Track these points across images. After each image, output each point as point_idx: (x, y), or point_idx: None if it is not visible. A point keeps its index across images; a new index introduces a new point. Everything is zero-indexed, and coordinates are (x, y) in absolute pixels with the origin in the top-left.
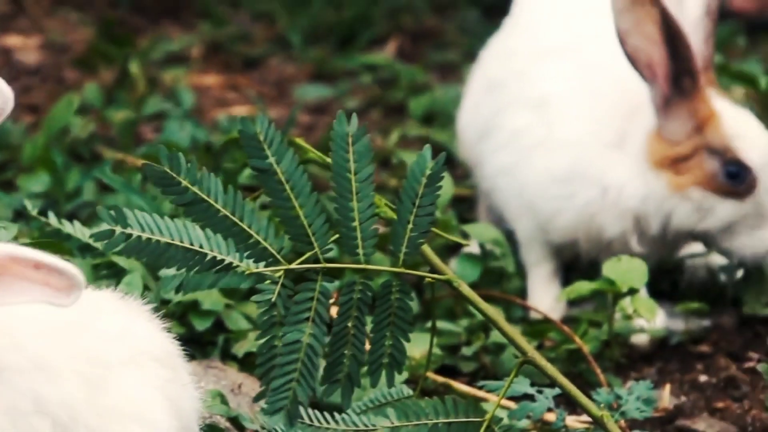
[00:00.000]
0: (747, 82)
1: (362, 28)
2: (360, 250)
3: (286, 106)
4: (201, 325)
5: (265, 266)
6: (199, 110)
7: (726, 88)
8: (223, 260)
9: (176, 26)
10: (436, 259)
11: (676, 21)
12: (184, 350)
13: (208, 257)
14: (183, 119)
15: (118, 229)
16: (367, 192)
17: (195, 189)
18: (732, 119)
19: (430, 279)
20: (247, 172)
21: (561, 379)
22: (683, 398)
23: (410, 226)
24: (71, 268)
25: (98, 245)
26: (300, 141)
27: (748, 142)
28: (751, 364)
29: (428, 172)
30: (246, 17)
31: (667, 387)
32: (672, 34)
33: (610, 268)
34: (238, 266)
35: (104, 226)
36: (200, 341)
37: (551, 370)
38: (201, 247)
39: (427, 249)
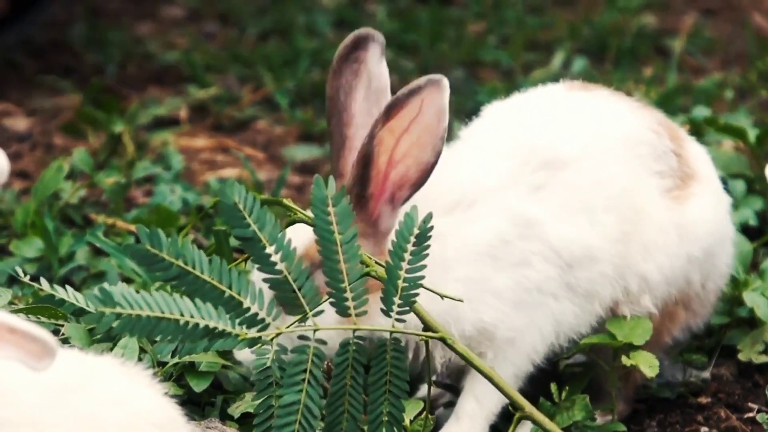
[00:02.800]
0: (736, 135)
1: None
2: (352, 311)
3: (276, 167)
4: (198, 386)
5: (258, 331)
6: (189, 173)
7: (716, 142)
8: (215, 328)
9: (163, 91)
10: (429, 317)
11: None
12: (182, 412)
13: (200, 327)
14: (173, 182)
15: (108, 310)
16: (353, 252)
17: (179, 263)
18: None
19: (423, 337)
20: None
21: None
22: None
23: (402, 284)
24: (44, 335)
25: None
26: (288, 202)
27: None
28: (750, 415)
29: (416, 231)
30: (233, 80)
31: None
32: None
33: (614, 324)
34: (230, 333)
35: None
36: (198, 402)
37: (549, 425)
38: (192, 317)
39: (420, 307)
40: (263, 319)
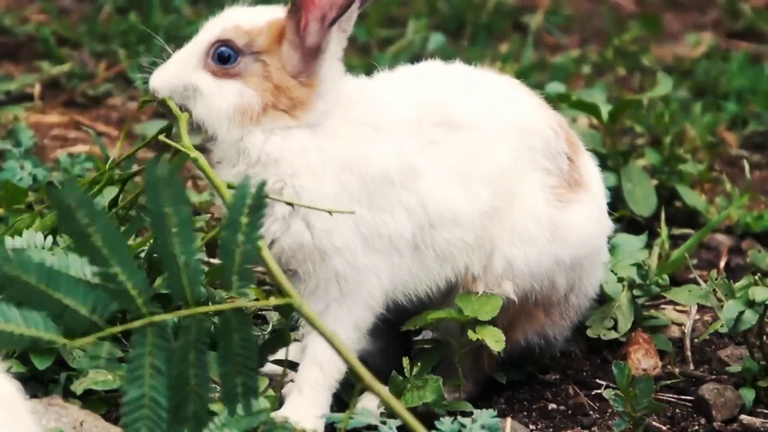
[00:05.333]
0: (589, 111)
1: None
2: (188, 295)
3: (129, 143)
4: (41, 363)
5: (85, 334)
6: (40, 149)
7: (571, 119)
8: (41, 338)
9: (17, 67)
10: (281, 276)
11: None
12: (25, 389)
13: (26, 336)
14: (23, 158)
15: None
16: (188, 234)
17: (6, 269)
18: None
19: (272, 303)
20: None
21: (400, 409)
22: (532, 427)
23: (238, 259)
24: None
25: None
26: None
27: None
28: (598, 391)
29: (250, 202)
30: (87, 56)
31: (508, 420)
32: None
33: (463, 300)
34: (55, 343)
35: None
36: (42, 379)
37: (392, 400)
38: (18, 326)
39: (272, 264)
40: (93, 322)
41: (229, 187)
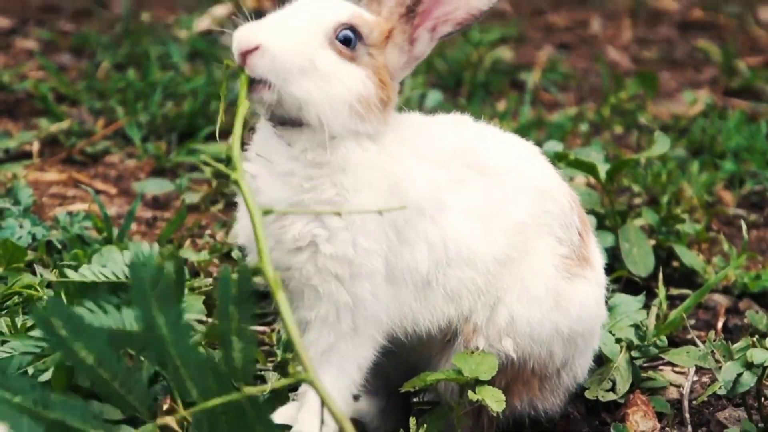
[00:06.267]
0: (587, 171)
1: (202, 122)
2: (192, 390)
3: (127, 201)
4: None
5: None
6: (39, 207)
7: (568, 177)
8: None
9: (15, 124)
10: (296, 334)
11: None
12: None
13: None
14: (22, 217)
15: None
16: (184, 334)
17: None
18: None
19: (289, 382)
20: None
21: None
22: None
23: (239, 344)
24: None
25: None
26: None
27: None
28: None
29: (235, 291)
30: (85, 113)
31: None
32: None
33: (460, 359)
34: None
35: None
36: None
37: None
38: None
39: (288, 315)
40: None
41: (266, 213)
